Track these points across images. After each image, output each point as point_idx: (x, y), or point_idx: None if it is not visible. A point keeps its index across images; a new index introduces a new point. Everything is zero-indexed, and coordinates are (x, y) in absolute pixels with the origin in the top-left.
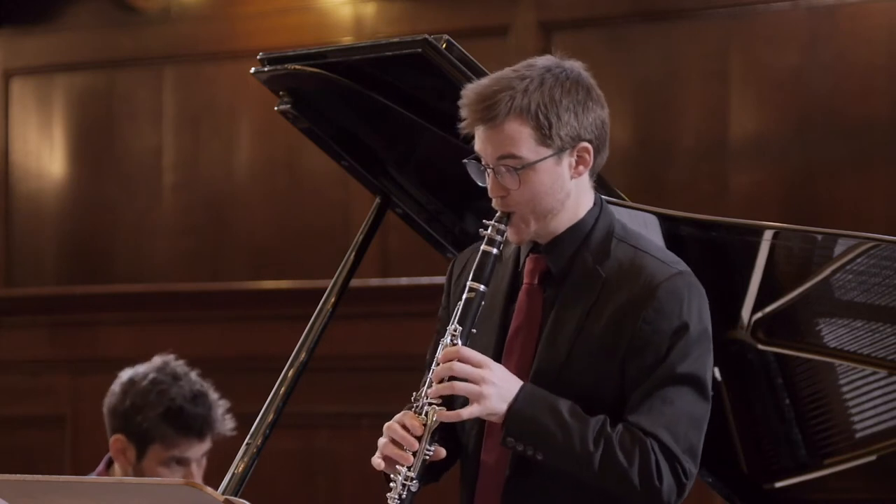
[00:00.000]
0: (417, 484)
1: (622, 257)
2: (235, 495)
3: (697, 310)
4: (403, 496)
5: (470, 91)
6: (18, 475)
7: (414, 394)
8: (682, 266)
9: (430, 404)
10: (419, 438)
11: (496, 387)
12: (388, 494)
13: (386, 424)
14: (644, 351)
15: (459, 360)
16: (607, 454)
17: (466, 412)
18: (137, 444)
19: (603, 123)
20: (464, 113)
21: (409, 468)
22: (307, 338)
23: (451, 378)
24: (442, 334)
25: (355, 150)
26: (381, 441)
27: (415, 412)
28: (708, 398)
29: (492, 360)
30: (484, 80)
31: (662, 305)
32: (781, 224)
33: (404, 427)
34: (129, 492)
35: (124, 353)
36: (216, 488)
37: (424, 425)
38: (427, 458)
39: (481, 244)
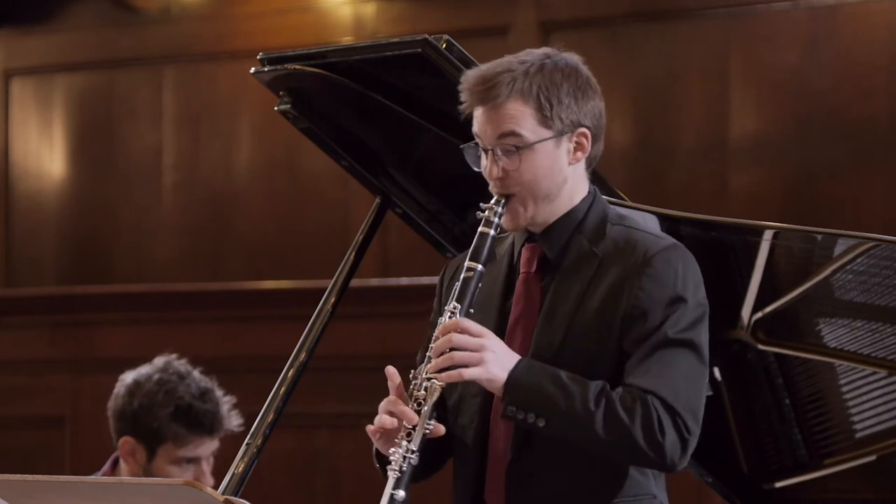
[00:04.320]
0: (417, 457)
1: (617, 237)
2: (235, 495)
3: (693, 281)
4: (404, 468)
5: (470, 74)
6: (18, 475)
7: (412, 371)
8: (676, 241)
9: (428, 379)
10: (418, 413)
11: (495, 354)
12: (389, 467)
13: (384, 400)
14: (640, 319)
15: (458, 332)
16: (609, 412)
17: (467, 373)
18: (147, 446)
19: (601, 113)
20: (464, 95)
21: (409, 441)
22: (307, 338)
23: (452, 350)
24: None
25: (355, 150)
26: (378, 418)
27: (414, 388)
28: (705, 363)
29: (490, 331)
30: (484, 65)
31: (657, 274)
32: (781, 224)
33: (402, 401)
34: (129, 492)
35: (124, 353)
36: (216, 488)
37: (424, 400)
38: (427, 432)
39: (479, 223)
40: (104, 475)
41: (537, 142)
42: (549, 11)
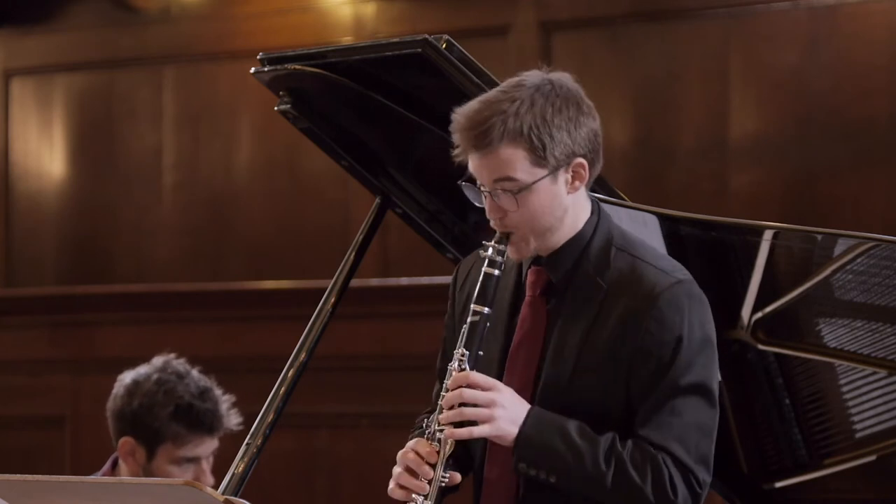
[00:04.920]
0: None
1: (622, 266)
2: (235, 495)
3: (699, 319)
4: None
5: (461, 117)
6: (18, 475)
7: (425, 420)
8: (682, 274)
9: (441, 431)
10: (434, 466)
11: (505, 409)
12: None
13: (400, 452)
14: (647, 362)
15: (468, 386)
16: (620, 472)
17: (477, 431)
18: (147, 446)
19: (595, 135)
20: (456, 139)
21: (425, 497)
22: (307, 338)
23: (462, 404)
24: (449, 343)
25: (355, 150)
26: (396, 470)
27: (427, 439)
28: (716, 405)
29: (500, 383)
30: (474, 105)
31: (663, 315)
32: (781, 224)
33: (418, 455)
34: (129, 492)
35: (124, 353)
36: (216, 488)
37: (438, 452)
38: (443, 484)
39: (483, 262)
40: (104, 475)
41: (533, 182)
42: (549, 11)
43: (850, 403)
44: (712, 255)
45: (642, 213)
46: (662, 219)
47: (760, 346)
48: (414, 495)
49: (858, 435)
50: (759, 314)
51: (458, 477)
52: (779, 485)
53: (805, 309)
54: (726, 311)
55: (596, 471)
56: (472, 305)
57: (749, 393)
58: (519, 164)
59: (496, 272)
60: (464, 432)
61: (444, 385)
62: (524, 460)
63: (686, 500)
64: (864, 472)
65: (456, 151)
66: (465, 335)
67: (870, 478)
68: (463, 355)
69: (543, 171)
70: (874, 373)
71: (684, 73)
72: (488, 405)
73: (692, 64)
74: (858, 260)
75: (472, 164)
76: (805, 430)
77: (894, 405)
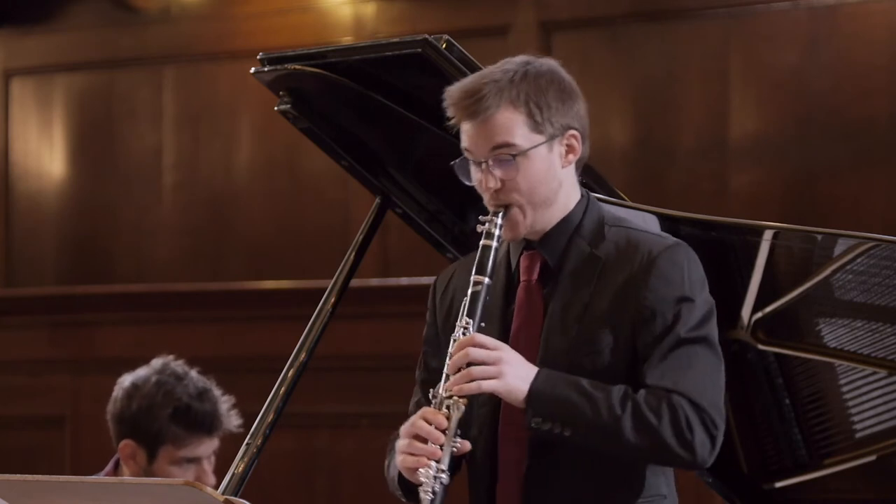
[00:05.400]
0: (448, 477)
1: (617, 238)
2: (235, 495)
3: (699, 278)
4: (436, 489)
5: (454, 90)
6: (18, 475)
7: (431, 391)
8: (678, 239)
9: (450, 397)
10: (444, 432)
11: (513, 367)
12: (421, 489)
13: (404, 425)
14: (651, 320)
15: (474, 347)
16: (636, 415)
17: (486, 385)
18: (148, 448)
19: (585, 115)
20: (450, 112)
21: (438, 462)
22: (307, 338)
23: (469, 365)
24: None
25: (355, 150)
26: (402, 442)
27: (435, 408)
28: (720, 357)
29: (506, 345)
30: (466, 79)
31: (664, 273)
32: (781, 224)
33: (427, 423)
34: (129, 492)
35: (124, 353)
36: (217, 488)
37: (448, 418)
38: (454, 450)
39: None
40: (107, 475)
41: (531, 148)
42: (549, 11)
43: (850, 403)
44: (712, 255)
45: (642, 213)
46: (662, 219)
47: (760, 346)
48: (426, 460)
49: (858, 435)
50: (759, 314)
51: (467, 445)
52: (779, 485)
53: (805, 309)
54: (726, 311)
55: (611, 416)
56: (472, 277)
57: (749, 393)
58: (517, 129)
59: (494, 244)
60: (473, 386)
61: (448, 353)
62: (539, 414)
63: (703, 441)
64: (864, 472)
65: (450, 122)
66: (465, 305)
67: (870, 478)
68: (467, 324)
69: (541, 138)
70: (874, 373)
71: (684, 73)
72: (496, 363)
73: (692, 64)
74: (858, 260)
75: (468, 135)
76: (805, 430)
77: (894, 405)
